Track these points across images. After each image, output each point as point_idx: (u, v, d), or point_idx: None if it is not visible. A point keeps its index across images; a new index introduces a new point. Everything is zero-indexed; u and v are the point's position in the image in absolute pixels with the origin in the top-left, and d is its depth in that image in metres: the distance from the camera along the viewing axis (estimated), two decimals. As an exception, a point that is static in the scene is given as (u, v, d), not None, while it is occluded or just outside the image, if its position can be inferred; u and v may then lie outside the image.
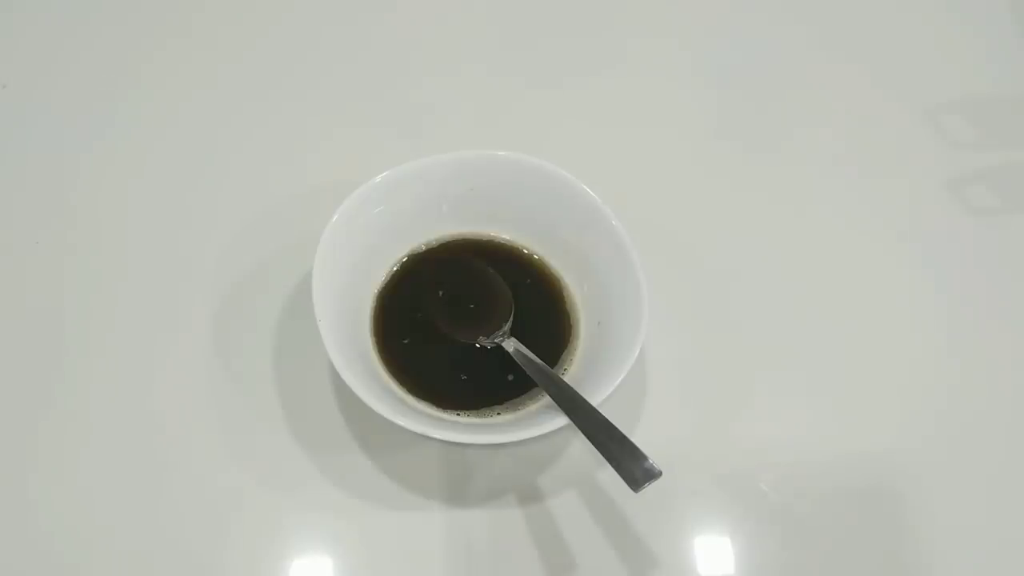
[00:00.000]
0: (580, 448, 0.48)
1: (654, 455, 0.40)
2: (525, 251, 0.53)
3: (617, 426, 0.41)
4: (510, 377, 0.48)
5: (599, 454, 0.41)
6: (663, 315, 0.49)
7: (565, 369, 0.49)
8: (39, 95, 0.63)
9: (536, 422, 0.43)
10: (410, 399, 0.47)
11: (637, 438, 0.41)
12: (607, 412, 0.42)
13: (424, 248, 0.53)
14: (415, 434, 0.42)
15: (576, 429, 0.42)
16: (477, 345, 0.49)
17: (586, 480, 0.48)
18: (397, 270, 0.52)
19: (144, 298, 0.53)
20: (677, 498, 0.47)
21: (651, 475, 0.39)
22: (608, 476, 0.46)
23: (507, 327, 0.49)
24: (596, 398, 0.43)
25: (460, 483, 0.47)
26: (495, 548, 0.46)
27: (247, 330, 0.52)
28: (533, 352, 0.46)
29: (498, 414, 0.47)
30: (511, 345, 0.47)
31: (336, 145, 0.61)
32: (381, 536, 0.46)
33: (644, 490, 0.39)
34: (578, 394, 0.43)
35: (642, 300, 0.46)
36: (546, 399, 0.45)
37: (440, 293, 0.51)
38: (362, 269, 0.50)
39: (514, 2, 0.70)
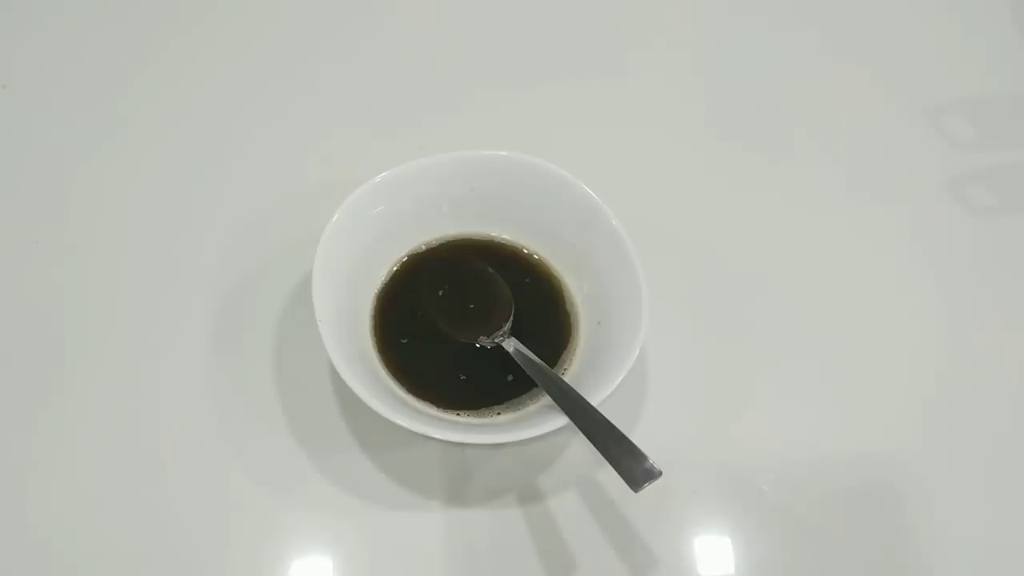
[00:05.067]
0: (580, 448, 0.48)
1: (654, 455, 0.40)
2: (525, 251, 0.53)
3: (617, 426, 0.41)
4: (510, 377, 0.48)
5: (599, 454, 0.41)
6: (663, 315, 0.48)
7: (565, 369, 0.49)
8: (39, 95, 0.63)
9: (536, 422, 0.43)
10: (410, 399, 0.47)
11: (637, 438, 0.41)
12: (607, 412, 0.42)
13: (424, 248, 0.53)
14: (415, 434, 0.42)
15: (576, 429, 0.42)
16: (477, 345, 0.49)
17: (586, 480, 0.48)
18: (397, 270, 0.52)
19: (144, 298, 0.53)
20: (677, 498, 0.47)
21: (651, 475, 0.39)
22: (608, 476, 0.46)
23: (507, 327, 0.49)
24: (596, 398, 0.43)
25: (460, 483, 0.47)
26: (495, 548, 0.46)
27: (247, 330, 0.52)
28: (533, 352, 0.46)
29: (498, 414, 0.47)
30: (511, 345, 0.47)
31: (336, 145, 0.61)
32: (381, 536, 0.46)
33: (644, 490, 0.39)
34: (578, 394, 0.43)
35: (642, 300, 0.46)
36: (546, 399, 0.45)
37: (440, 293, 0.51)
38: (362, 269, 0.50)
39: (515, 2, 0.71)
